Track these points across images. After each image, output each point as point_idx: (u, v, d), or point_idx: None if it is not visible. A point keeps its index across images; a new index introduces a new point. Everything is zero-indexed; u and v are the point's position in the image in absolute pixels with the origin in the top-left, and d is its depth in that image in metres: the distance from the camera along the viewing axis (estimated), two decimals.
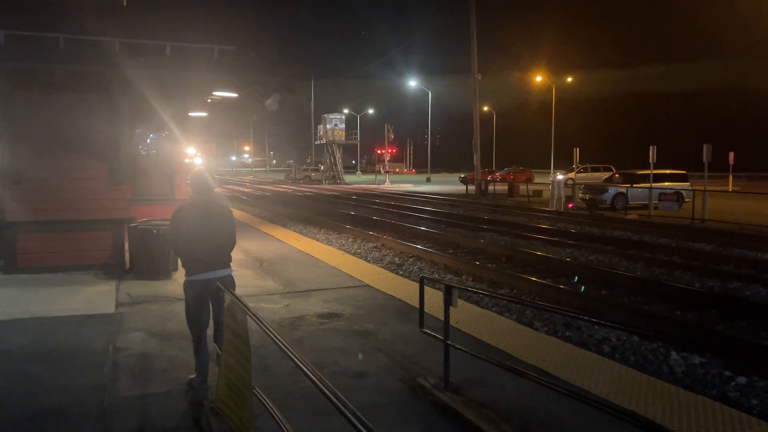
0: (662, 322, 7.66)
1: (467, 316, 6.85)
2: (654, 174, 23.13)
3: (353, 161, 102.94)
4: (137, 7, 12.04)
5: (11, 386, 4.92)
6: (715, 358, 6.30)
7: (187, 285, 4.81)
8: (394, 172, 79.23)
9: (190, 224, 4.76)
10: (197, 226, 4.75)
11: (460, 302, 7.22)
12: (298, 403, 4.47)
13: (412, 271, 11.29)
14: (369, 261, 11.93)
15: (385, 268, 10.88)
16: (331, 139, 59.10)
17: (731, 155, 29.18)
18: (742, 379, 5.74)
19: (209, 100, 11.37)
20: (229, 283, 4.74)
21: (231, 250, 4.96)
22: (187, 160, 10.75)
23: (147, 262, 8.99)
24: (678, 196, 22.11)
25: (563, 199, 24.76)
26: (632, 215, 21.74)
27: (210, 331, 4.87)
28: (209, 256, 4.77)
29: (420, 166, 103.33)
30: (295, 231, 16.41)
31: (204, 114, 13.14)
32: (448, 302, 4.60)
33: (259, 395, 3.43)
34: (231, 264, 4.96)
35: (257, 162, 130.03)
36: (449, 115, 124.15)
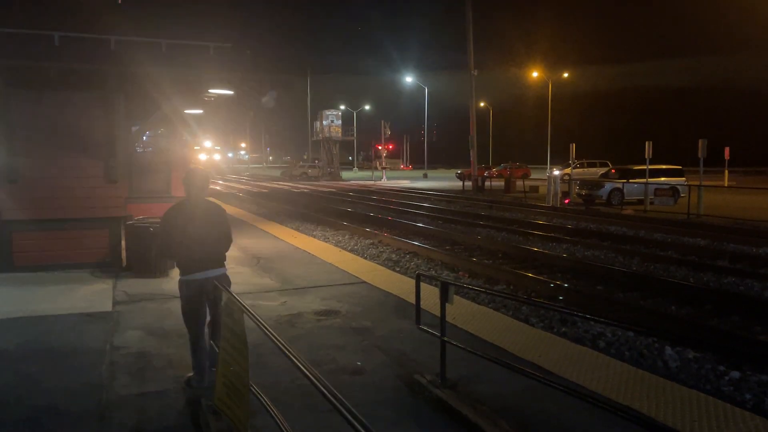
0: (657, 317, 7.70)
1: (464, 313, 6.87)
2: (650, 169, 23.18)
3: (350, 157, 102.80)
4: (132, 5, 12.00)
5: (8, 385, 4.93)
6: (709, 353, 6.35)
7: (182, 284, 4.77)
8: (391, 169, 79.18)
9: (185, 224, 4.68)
10: (192, 225, 4.68)
11: (457, 299, 7.23)
12: (296, 400, 4.49)
13: (409, 268, 11.31)
14: (366, 258, 11.94)
15: (382, 265, 10.90)
16: (327, 135, 59.01)
17: (726, 150, 29.26)
18: (735, 374, 5.79)
19: (205, 98, 11.34)
20: (225, 281, 4.71)
21: (227, 249, 4.93)
22: (203, 156, 10.75)
23: (144, 260, 8.99)
24: (674, 191, 22.22)
25: (560, 195, 24.83)
26: (628, 210, 21.79)
27: (207, 329, 4.87)
28: (204, 255, 4.73)
29: (417, 162, 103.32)
30: (292, 228, 16.40)
31: (200, 111, 13.11)
32: (444, 299, 4.60)
33: (256, 393, 3.44)
34: (226, 262, 4.95)
35: (254, 158, 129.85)
36: (446, 111, 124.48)
